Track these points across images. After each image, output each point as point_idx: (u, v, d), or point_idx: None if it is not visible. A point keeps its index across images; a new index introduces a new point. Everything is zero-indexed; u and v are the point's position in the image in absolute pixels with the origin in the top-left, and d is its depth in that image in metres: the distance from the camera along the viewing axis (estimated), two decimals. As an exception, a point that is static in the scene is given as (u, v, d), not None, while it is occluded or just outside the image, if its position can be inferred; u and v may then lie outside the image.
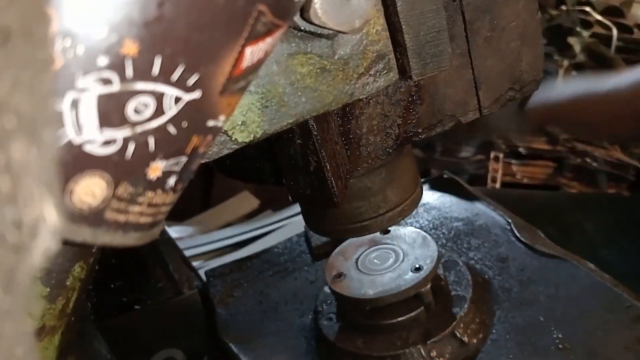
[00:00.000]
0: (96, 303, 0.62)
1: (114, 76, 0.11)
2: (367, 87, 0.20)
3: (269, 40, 0.14)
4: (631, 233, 0.82)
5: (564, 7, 3.43)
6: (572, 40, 3.16)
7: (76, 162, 0.11)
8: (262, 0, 0.13)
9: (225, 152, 0.19)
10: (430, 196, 0.73)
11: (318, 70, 0.19)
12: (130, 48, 0.11)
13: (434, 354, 0.48)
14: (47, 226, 0.09)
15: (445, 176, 0.75)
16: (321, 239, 0.69)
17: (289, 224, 1.30)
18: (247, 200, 1.61)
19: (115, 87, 0.11)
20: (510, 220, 0.62)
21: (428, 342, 0.48)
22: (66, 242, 0.12)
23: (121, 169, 0.12)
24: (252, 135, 0.19)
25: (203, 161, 0.18)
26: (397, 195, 0.46)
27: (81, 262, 0.19)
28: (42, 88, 0.09)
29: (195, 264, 1.17)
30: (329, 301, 0.57)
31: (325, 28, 0.17)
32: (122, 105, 0.12)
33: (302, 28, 0.17)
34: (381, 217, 0.46)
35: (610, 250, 0.80)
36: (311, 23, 0.17)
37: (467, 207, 0.68)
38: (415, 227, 0.67)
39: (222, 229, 1.43)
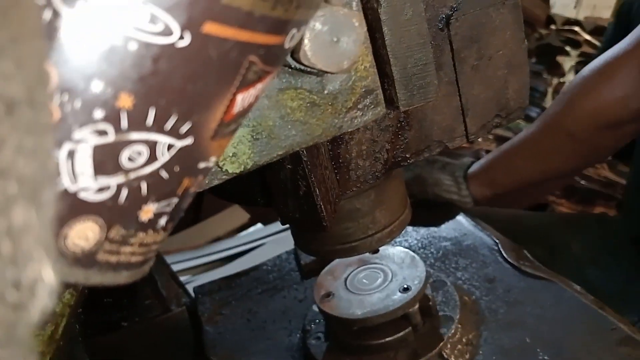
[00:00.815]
0: (84, 321, 0.62)
1: (109, 128, 0.12)
2: (355, 121, 0.21)
3: (259, 86, 0.15)
4: (616, 253, 0.83)
5: (553, 27, 3.49)
6: (560, 59, 3.21)
7: (71, 208, 0.12)
8: (253, 51, 0.14)
9: (216, 182, 0.19)
10: (418, 216, 0.73)
11: (308, 104, 0.19)
12: (126, 101, 0.11)
13: (421, 375, 0.48)
14: (44, 286, 0.09)
15: (434, 195, 0.76)
16: (310, 257, 0.69)
17: (278, 239, 1.30)
18: (237, 215, 1.60)
19: (110, 137, 0.12)
20: (497, 241, 0.63)
21: (415, 363, 0.48)
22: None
23: (114, 213, 0.13)
24: (242, 167, 0.19)
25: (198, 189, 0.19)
26: (386, 216, 0.46)
27: (71, 289, 0.20)
28: (43, 150, 0.09)
29: (183, 278, 1.16)
30: (317, 320, 0.57)
31: (314, 68, 0.18)
32: (117, 155, 0.12)
33: (293, 66, 0.18)
34: (370, 238, 0.46)
35: (596, 271, 0.81)
36: (301, 63, 0.17)
37: (455, 227, 0.69)
38: (404, 246, 0.68)
39: (212, 243, 1.42)
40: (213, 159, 0.15)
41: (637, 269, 0.81)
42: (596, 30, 3.20)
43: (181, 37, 0.12)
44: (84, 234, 0.12)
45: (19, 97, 0.09)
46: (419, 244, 0.68)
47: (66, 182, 0.12)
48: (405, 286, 0.51)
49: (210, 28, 0.12)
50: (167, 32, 0.11)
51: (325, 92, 0.19)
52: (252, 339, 0.61)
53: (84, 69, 0.11)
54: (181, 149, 0.13)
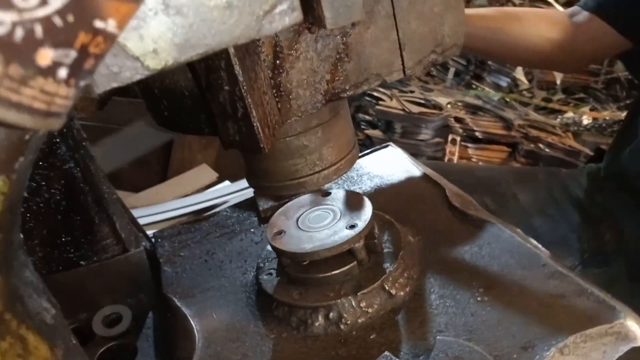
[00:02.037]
0: (42, 258, 0.63)
1: None
2: (274, 25, 0.22)
3: None
4: (561, 204, 0.87)
5: (528, -5, 3.47)
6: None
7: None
8: None
9: (138, 77, 0.21)
10: (374, 165, 0.76)
11: (225, 5, 0.21)
12: None
13: (363, 304, 0.51)
14: None
15: (389, 147, 0.79)
16: (268, 203, 0.72)
17: (244, 195, 1.31)
18: (204, 173, 1.61)
19: None
20: (445, 188, 0.66)
21: (358, 294, 0.51)
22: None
23: (11, 49, 0.14)
24: (163, 62, 0.21)
25: (117, 85, 0.20)
26: (333, 154, 0.48)
27: (3, 176, 0.21)
28: None
29: (150, 232, 1.18)
30: (270, 258, 0.60)
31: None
32: None
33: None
34: (317, 175, 0.48)
35: (542, 220, 0.85)
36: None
37: (407, 176, 0.72)
38: (358, 190, 0.70)
39: (179, 199, 1.44)
40: (112, 22, 0.16)
41: (579, 219, 0.86)
42: (569, 2, 3.23)
43: None
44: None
45: None
46: (372, 190, 0.71)
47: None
48: (352, 224, 0.54)
49: None
50: None
51: (242, -6, 0.21)
52: (209, 277, 0.63)
53: None
54: (74, -1, 0.14)
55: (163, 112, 0.40)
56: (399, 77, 0.39)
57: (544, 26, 0.93)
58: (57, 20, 0.14)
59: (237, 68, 0.30)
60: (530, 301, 0.50)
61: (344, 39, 0.35)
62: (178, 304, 0.59)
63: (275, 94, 0.35)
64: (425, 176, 0.70)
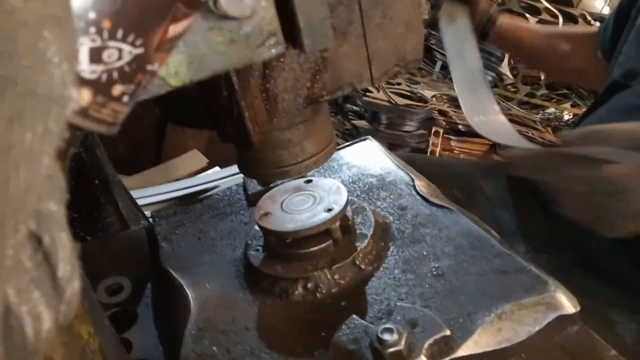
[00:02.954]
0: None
1: (97, 38, 0.20)
2: (263, 55, 0.29)
3: (184, 22, 0.23)
4: (523, 197, 0.96)
5: (515, -7, 3.54)
6: (520, 25, 3.29)
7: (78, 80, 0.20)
8: (179, 0, 0.23)
9: (163, 91, 0.28)
10: (352, 156, 0.84)
11: (228, 40, 0.28)
12: (106, 24, 0.20)
13: (336, 276, 0.60)
14: (72, 103, 0.18)
15: (368, 140, 0.87)
16: (256, 188, 0.79)
17: (233, 180, 1.38)
18: (195, 158, 1.68)
19: (98, 43, 0.20)
20: (413, 178, 0.74)
21: (333, 268, 0.60)
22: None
23: (98, 86, 0.21)
24: (181, 82, 0.28)
25: (147, 96, 0.28)
26: (313, 147, 0.56)
27: (61, 161, 0.28)
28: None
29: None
30: (257, 237, 0.68)
31: (228, 15, 0.26)
32: (100, 53, 0.21)
33: (216, 13, 0.26)
34: (299, 165, 0.56)
35: (503, 210, 0.94)
36: (220, 11, 0.26)
37: (382, 167, 0.80)
38: (337, 179, 0.78)
39: (171, 183, 1.50)
40: (157, 65, 0.24)
41: (532, 208, 0.95)
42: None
43: None
44: (82, 96, 0.20)
45: (60, 15, 0.17)
46: (349, 179, 0.78)
47: (76, 66, 0.20)
48: (329, 208, 0.62)
49: None
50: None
51: (241, 32, 0.28)
52: (202, 253, 0.71)
53: (85, 6, 0.19)
54: (136, 55, 0.22)
55: (169, 108, 0.47)
56: (367, 85, 0.47)
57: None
58: (126, 68, 0.22)
59: (234, 79, 0.38)
60: (477, 276, 0.58)
61: (322, 54, 0.43)
62: (175, 275, 0.67)
63: (265, 97, 0.43)
64: (396, 167, 0.78)
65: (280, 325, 0.57)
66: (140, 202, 1.38)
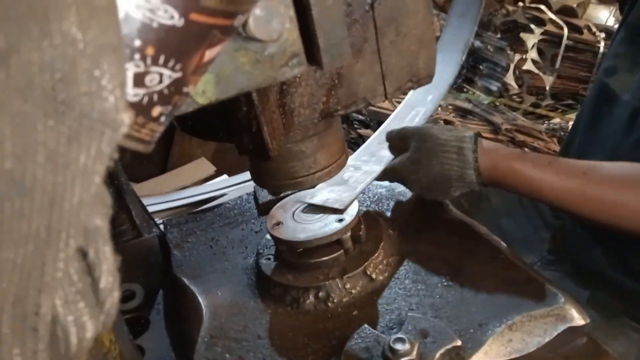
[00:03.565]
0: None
1: (141, 63, 0.21)
2: (286, 74, 0.30)
3: (218, 47, 0.25)
4: (526, 207, 0.97)
5: (521, 4, 3.56)
6: (525, 36, 3.31)
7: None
8: (216, 28, 0.24)
9: (191, 109, 0.29)
10: (362, 166, 0.84)
11: (254, 61, 0.29)
12: (150, 50, 0.21)
13: (348, 286, 0.60)
14: (123, 127, 0.19)
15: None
16: (267, 197, 0.80)
17: (241, 188, 1.40)
18: (203, 166, 1.70)
19: (142, 68, 0.21)
20: (423, 189, 0.75)
21: (344, 277, 0.60)
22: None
23: (140, 108, 0.23)
24: (208, 100, 0.29)
25: (178, 114, 0.29)
26: (326, 159, 0.57)
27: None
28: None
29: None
30: (268, 246, 0.69)
31: (255, 37, 0.27)
32: (144, 77, 0.22)
33: (243, 35, 0.27)
34: (312, 176, 0.57)
35: (509, 220, 0.95)
36: (247, 33, 0.27)
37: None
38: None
39: (179, 191, 1.52)
40: (192, 87, 0.25)
41: (540, 221, 0.96)
42: (562, 10, 3.31)
43: (179, 20, 0.21)
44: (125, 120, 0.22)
45: (114, 43, 0.18)
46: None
47: (120, 90, 0.22)
48: (341, 218, 0.63)
49: (194, 16, 0.22)
50: (171, 17, 0.21)
51: (266, 53, 0.29)
52: (214, 261, 0.72)
53: (131, 34, 0.21)
54: (175, 78, 0.23)
55: (188, 121, 0.48)
56: (381, 101, 0.48)
57: None
58: (165, 91, 0.23)
59: (254, 95, 0.39)
60: (487, 287, 0.59)
61: (338, 70, 0.44)
62: (187, 283, 0.68)
63: (282, 112, 0.44)
64: (407, 178, 0.79)
65: (291, 334, 0.58)
66: (149, 209, 1.40)
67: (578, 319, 0.54)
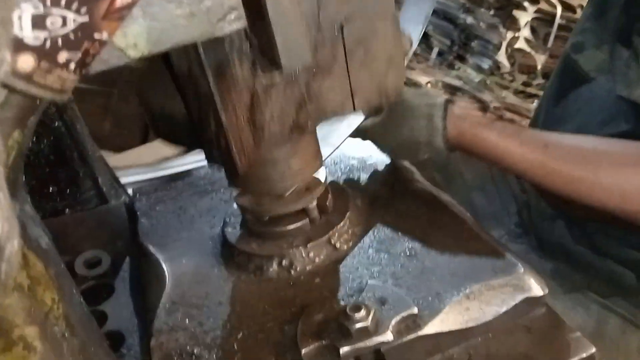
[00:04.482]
0: (32, 205, 0.71)
1: (40, 5, 0.20)
2: (224, 29, 0.29)
3: None
4: (498, 183, 0.97)
5: (515, -19, 3.49)
6: (517, 13, 3.28)
7: (19, 46, 0.20)
8: None
9: (122, 62, 0.28)
10: (335, 137, 0.84)
11: (188, 14, 0.28)
12: (49, -9, 0.20)
13: (311, 254, 0.60)
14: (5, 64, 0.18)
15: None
16: (237, 167, 0.80)
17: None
18: (185, 138, 1.68)
19: (41, 10, 0.21)
20: (394, 160, 0.75)
21: (308, 245, 0.60)
22: (10, 89, 0.21)
23: (42, 52, 0.22)
24: (140, 53, 0.28)
25: (106, 68, 0.28)
26: (299, 164, 0.57)
27: (19, 129, 0.28)
28: (6, 15, 0.18)
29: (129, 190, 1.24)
30: (235, 215, 0.68)
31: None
32: (44, 20, 0.21)
33: (174, -16, 0.27)
34: (285, 182, 0.57)
35: (481, 195, 0.95)
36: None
37: (364, 149, 0.80)
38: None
39: (157, 162, 1.50)
40: (105, 34, 0.24)
41: (510, 196, 0.96)
42: (569, 6, 3.27)
43: None
44: (26, 61, 0.21)
45: None
46: (332, 160, 0.79)
47: (17, 32, 0.20)
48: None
49: None
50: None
51: (202, 5, 0.28)
52: (181, 229, 0.71)
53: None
54: (81, 23, 0.22)
55: (162, 130, 0.49)
56: (350, 113, 0.49)
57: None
58: (71, 36, 0.22)
59: (222, 114, 0.40)
60: (449, 257, 0.58)
61: (308, 86, 0.44)
62: (152, 250, 0.67)
63: (252, 128, 0.44)
64: (379, 151, 0.79)
65: (253, 301, 0.58)
66: (126, 180, 1.38)
67: (536, 289, 0.55)
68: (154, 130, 0.52)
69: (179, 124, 0.48)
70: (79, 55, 0.23)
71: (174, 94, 0.44)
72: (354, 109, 0.49)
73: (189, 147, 0.50)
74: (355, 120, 0.73)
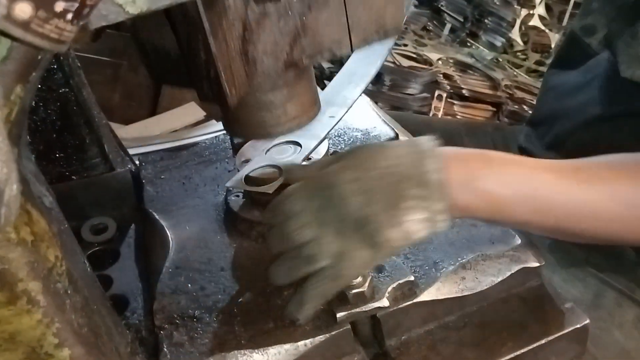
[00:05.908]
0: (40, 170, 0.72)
1: None
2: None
3: None
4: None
5: (531, -43, 3.41)
6: (533, -11, 3.19)
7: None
8: None
9: (121, 19, 0.28)
10: (340, 109, 0.84)
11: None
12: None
13: (311, 223, 0.61)
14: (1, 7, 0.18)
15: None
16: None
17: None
18: (192, 111, 1.68)
19: None
20: (397, 133, 0.75)
21: (308, 214, 0.61)
22: (7, 35, 0.22)
23: (39, 1, 0.22)
24: (139, 9, 0.29)
25: (105, 23, 0.28)
26: (295, 110, 0.56)
27: (21, 84, 0.29)
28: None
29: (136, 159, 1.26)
30: (238, 183, 0.69)
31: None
32: None
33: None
34: (281, 126, 0.56)
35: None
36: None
37: (368, 121, 0.80)
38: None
39: (166, 134, 1.51)
40: None
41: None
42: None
43: None
44: (23, 9, 0.21)
45: None
46: (336, 133, 0.79)
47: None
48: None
49: None
50: None
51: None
52: (185, 197, 0.72)
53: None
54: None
55: (154, 67, 0.48)
56: (347, 52, 0.47)
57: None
58: None
59: (211, 40, 0.39)
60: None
61: (303, 19, 0.43)
62: (157, 216, 0.68)
63: (244, 60, 0.44)
64: (383, 122, 0.79)
65: (253, 267, 0.59)
66: (134, 151, 1.40)
67: (532, 260, 0.55)
68: (148, 70, 0.50)
69: (171, 58, 0.46)
70: (75, 5, 0.23)
71: (166, 25, 0.43)
72: (351, 47, 0.47)
73: (181, 85, 0.48)
74: (339, 112, 0.72)
